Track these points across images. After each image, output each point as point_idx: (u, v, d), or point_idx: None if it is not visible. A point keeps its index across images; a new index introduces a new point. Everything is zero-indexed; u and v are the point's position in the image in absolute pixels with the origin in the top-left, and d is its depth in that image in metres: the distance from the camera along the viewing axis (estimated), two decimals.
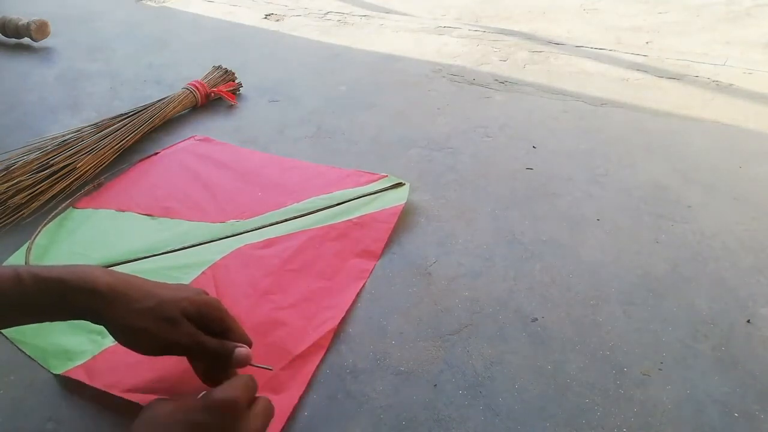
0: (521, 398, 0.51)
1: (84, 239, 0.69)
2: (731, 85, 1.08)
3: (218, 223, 0.71)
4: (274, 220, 0.71)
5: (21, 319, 0.42)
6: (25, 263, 0.63)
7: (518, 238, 0.70)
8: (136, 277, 0.45)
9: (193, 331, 0.44)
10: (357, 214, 0.72)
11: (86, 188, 0.76)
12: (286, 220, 0.71)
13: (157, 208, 0.74)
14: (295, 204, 0.74)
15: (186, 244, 0.67)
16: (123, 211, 0.74)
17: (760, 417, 0.49)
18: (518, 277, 0.64)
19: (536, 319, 0.59)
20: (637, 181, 0.80)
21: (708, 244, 0.69)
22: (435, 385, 0.52)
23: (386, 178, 0.79)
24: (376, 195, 0.75)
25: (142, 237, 0.69)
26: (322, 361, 0.54)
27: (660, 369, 0.54)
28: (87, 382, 0.50)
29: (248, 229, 0.70)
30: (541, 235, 0.70)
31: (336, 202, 0.74)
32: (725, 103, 1.01)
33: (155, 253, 0.66)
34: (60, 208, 0.72)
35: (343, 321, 0.58)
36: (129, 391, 0.49)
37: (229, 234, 0.69)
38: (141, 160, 0.83)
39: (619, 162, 0.84)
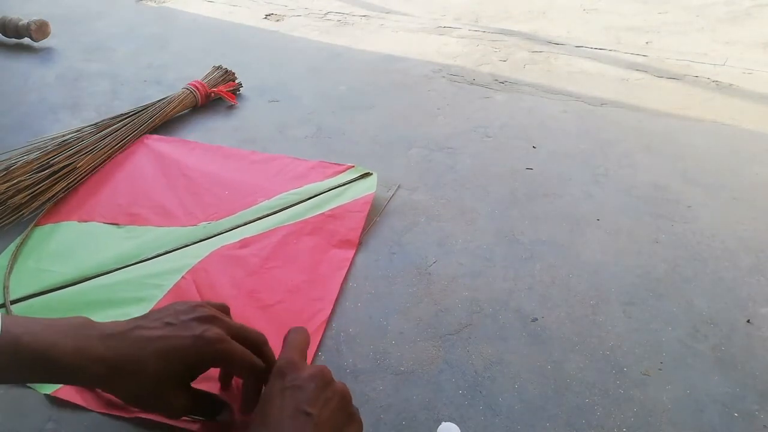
0: (521, 398, 0.51)
1: (49, 254, 0.65)
2: (731, 85, 1.08)
3: (189, 227, 0.70)
4: (247, 220, 0.70)
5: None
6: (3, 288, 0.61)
7: (518, 238, 0.70)
8: (135, 345, 0.40)
9: (184, 402, 0.43)
10: (329, 207, 0.72)
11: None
12: (259, 219, 0.70)
13: (122, 216, 0.71)
14: (266, 201, 0.73)
15: (159, 251, 0.66)
16: (85, 221, 0.70)
17: (760, 417, 0.49)
18: (518, 277, 0.64)
19: (536, 319, 0.59)
20: (637, 181, 0.80)
21: (708, 244, 0.69)
22: (435, 385, 0.52)
23: (353, 168, 0.79)
24: (345, 186, 0.75)
25: (111, 247, 0.66)
26: (321, 361, 0.54)
27: (660, 369, 0.54)
28: (81, 403, 0.49)
29: (222, 230, 0.69)
30: (541, 235, 0.70)
31: (307, 197, 0.73)
32: (725, 103, 1.01)
33: (128, 264, 0.64)
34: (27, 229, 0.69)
35: (343, 321, 0.58)
36: (130, 408, 0.48)
37: (202, 237, 0.68)
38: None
39: (619, 162, 0.84)
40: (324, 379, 0.41)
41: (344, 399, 0.42)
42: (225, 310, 0.48)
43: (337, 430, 0.40)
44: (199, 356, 0.41)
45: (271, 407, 0.39)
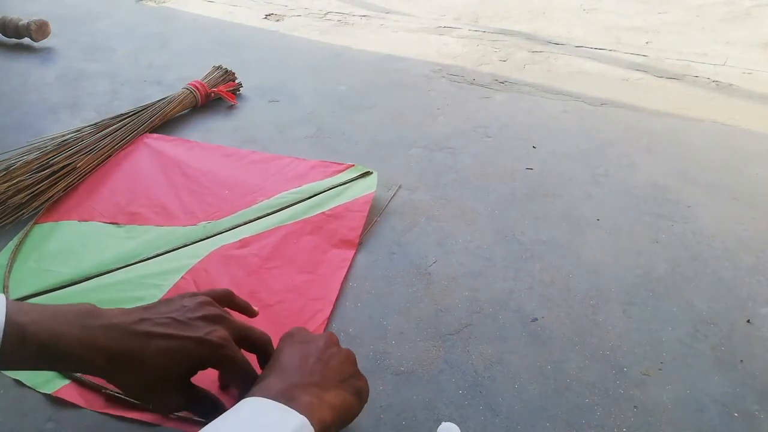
0: (521, 398, 0.51)
1: (50, 254, 0.65)
2: (731, 85, 1.08)
3: (189, 227, 0.70)
4: (247, 219, 0.70)
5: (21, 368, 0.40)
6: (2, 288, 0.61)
7: (518, 238, 0.70)
8: (139, 339, 0.40)
9: (181, 398, 0.43)
10: (329, 206, 0.72)
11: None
12: (259, 218, 0.70)
13: (122, 215, 0.71)
14: (266, 200, 0.73)
15: (159, 251, 0.66)
16: (85, 221, 0.70)
17: (760, 417, 0.49)
18: (518, 277, 0.64)
19: (536, 319, 0.59)
20: (637, 181, 0.80)
21: (708, 244, 0.69)
22: (435, 385, 0.52)
23: (353, 167, 0.79)
24: (346, 185, 0.75)
25: (111, 247, 0.66)
26: None
27: (660, 369, 0.54)
28: (81, 403, 0.49)
29: (222, 230, 0.69)
30: (541, 235, 0.70)
31: (307, 196, 0.73)
32: (725, 103, 1.01)
33: (128, 263, 0.64)
34: (27, 227, 0.69)
35: (343, 321, 0.58)
36: (131, 408, 0.48)
37: (202, 237, 0.68)
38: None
39: (619, 162, 0.84)
40: (331, 339, 0.45)
41: (349, 357, 0.45)
42: (228, 296, 0.48)
43: (346, 378, 0.43)
44: (201, 358, 0.41)
45: (280, 360, 0.42)
